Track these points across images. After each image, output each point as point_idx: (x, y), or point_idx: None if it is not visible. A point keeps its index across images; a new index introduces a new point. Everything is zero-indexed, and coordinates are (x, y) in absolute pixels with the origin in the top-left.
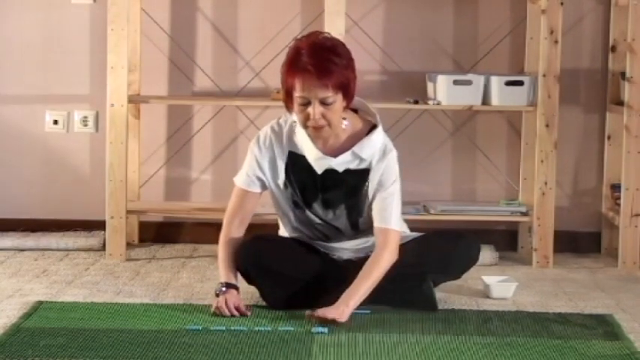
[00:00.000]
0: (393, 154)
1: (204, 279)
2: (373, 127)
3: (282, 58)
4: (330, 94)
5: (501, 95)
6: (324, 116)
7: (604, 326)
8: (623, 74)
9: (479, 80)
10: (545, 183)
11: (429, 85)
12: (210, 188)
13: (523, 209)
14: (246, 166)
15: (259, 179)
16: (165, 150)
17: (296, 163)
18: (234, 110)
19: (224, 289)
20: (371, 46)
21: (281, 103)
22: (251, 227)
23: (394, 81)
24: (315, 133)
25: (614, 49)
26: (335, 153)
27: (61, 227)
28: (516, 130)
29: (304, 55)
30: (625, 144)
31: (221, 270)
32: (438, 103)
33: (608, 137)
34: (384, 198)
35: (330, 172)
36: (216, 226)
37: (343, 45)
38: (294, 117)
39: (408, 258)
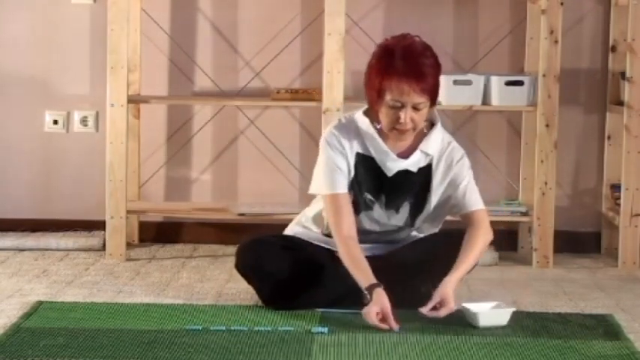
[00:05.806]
0: (454, 145)
1: (204, 279)
2: (430, 124)
3: (282, 58)
4: (424, 100)
5: (501, 95)
6: (412, 120)
7: (604, 326)
8: (623, 74)
9: (479, 80)
10: (545, 183)
11: None
12: (210, 188)
13: (523, 209)
14: (326, 170)
15: (343, 177)
16: (165, 150)
17: (363, 164)
18: (234, 110)
19: (368, 295)
20: (371, 46)
21: (281, 104)
22: (251, 227)
23: None
24: (399, 135)
25: (614, 49)
26: (403, 153)
27: (61, 227)
28: (516, 130)
29: (398, 59)
30: (625, 144)
31: (359, 275)
32: (438, 103)
33: (608, 137)
34: (464, 186)
35: (401, 173)
36: (216, 226)
37: (432, 49)
38: (356, 116)
39: (409, 259)
